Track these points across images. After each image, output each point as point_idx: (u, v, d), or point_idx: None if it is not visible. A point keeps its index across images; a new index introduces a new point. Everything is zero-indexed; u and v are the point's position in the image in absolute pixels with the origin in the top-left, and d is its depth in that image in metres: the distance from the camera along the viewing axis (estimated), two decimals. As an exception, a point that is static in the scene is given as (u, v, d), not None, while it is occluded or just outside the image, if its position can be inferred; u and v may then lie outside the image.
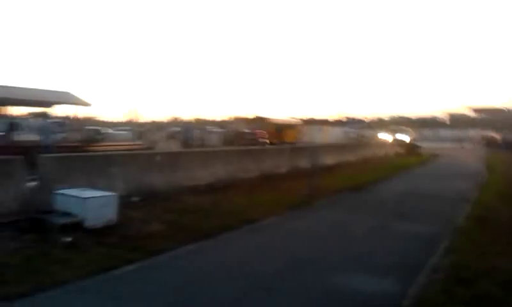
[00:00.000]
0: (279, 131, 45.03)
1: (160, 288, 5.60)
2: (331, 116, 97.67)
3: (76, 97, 33.39)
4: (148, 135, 42.29)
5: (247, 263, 6.76)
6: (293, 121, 59.60)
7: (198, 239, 7.78)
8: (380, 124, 78.58)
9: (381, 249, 7.73)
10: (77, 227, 7.73)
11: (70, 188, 8.65)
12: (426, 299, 5.14)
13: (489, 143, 53.62)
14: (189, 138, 37.97)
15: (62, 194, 8.39)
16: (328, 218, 10.42)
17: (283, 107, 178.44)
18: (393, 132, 47.66)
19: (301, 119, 64.63)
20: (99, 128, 43.10)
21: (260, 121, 47.83)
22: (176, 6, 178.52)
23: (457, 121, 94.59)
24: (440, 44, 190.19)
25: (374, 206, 12.08)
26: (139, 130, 45.93)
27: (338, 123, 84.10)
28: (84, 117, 39.27)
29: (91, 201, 8.13)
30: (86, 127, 37.35)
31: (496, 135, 58.98)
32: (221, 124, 69.27)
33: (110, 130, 46.35)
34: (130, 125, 40.88)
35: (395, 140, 41.63)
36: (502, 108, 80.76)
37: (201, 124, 71.10)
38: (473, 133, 68.27)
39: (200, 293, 5.44)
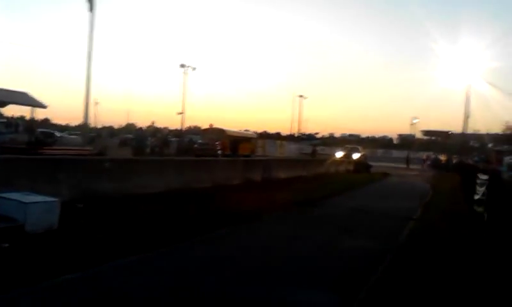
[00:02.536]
0: (234, 143, 45.06)
1: (100, 298, 5.44)
2: (285, 130, 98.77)
3: (33, 98, 32.20)
4: (100, 141, 41.39)
5: (190, 274, 6.66)
6: (248, 134, 59.86)
7: (145, 250, 7.61)
8: (332, 141, 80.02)
9: (328, 265, 7.82)
10: (16, 232, 7.44)
11: (11, 192, 8.33)
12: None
13: (436, 165, 55.62)
14: (142, 146, 37.42)
15: (2, 197, 8.06)
16: (276, 232, 10.45)
17: (239, 119, 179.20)
18: (346, 150, 48.61)
19: (256, 133, 64.94)
20: (52, 131, 41.86)
21: (215, 132, 47.77)
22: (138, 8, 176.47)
23: (407, 141, 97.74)
24: (395, 67, 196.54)
25: (322, 222, 12.23)
26: (91, 135, 44.87)
27: (291, 137, 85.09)
28: (40, 119, 38.06)
29: (32, 206, 7.85)
30: (39, 130, 36.18)
31: (443, 158, 61.24)
32: (177, 133, 68.69)
33: (63, 134, 45.13)
34: (83, 130, 39.77)
35: (347, 157, 42.45)
36: (447, 131, 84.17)
37: (156, 132, 70.21)
38: (421, 154, 70.60)
39: (140, 304, 5.32)
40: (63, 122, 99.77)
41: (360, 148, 52.86)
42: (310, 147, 68.09)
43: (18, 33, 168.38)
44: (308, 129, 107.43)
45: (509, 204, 6.46)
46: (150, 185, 13.21)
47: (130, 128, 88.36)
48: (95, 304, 5.23)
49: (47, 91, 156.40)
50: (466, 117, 59.82)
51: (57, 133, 43.36)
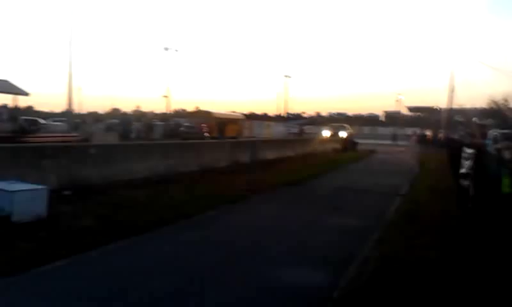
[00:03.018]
0: (220, 125, 44.94)
1: (88, 284, 5.43)
2: (272, 111, 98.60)
3: (14, 86, 31.76)
4: (85, 127, 40.98)
5: (182, 257, 6.68)
6: (235, 115, 59.66)
7: (132, 234, 7.61)
8: (319, 120, 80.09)
9: (316, 243, 7.87)
10: (3, 222, 7.37)
11: (-4, 181, 8.22)
12: (355, 289, 5.28)
13: (422, 141, 56.04)
14: (127, 131, 37.13)
15: (-13, 187, 7.94)
16: (265, 212, 10.49)
17: (225, 100, 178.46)
18: (333, 128, 48.71)
19: (243, 114, 64.74)
20: (36, 118, 41.31)
21: (201, 115, 47.56)
22: None
23: (393, 118, 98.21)
24: (380, 45, 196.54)
25: (310, 201, 12.30)
26: (75, 121, 44.36)
27: (278, 118, 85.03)
28: (23, 107, 37.55)
29: (18, 195, 7.76)
30: (22, 117, 35.70)
31: (429, 133, 61.67)
32: (162, 117, 68.19)
33: (48, 121, 44.54)
34: (67, 116, 39.29)
35: (334, 136, 42.57)
36: (434, 107, 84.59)
37: (141, 117, 69.62)
38: (407, 131, 71.08)
39: (131, 288, 5.31)
40: (46, 109, 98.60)
41: (346, 126, 52.98)
42: (297, 127, 68.18)
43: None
44: (295, 109, 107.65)
45: (494, 177, 6.54)
46: (136, 170, 13.15)
47: (115, 113, 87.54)
48: (81, 288, 5.21)
49: (29, 79, 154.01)
50: (451, 92, 60.14)
51: (42, 121, 42.78)
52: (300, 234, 8.56)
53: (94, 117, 70.18)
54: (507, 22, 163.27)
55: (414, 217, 9.65)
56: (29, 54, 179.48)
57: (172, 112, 69.11)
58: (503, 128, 34.83)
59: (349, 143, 39.70)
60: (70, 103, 37.28)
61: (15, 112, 33.99)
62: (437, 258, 6.54)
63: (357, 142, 40.85)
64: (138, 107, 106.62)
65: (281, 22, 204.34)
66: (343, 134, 44.57)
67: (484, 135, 31.76)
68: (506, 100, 63.99)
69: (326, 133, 45.18)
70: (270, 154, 23.29)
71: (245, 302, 5.09)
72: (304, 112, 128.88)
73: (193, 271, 6.05)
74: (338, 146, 37.41)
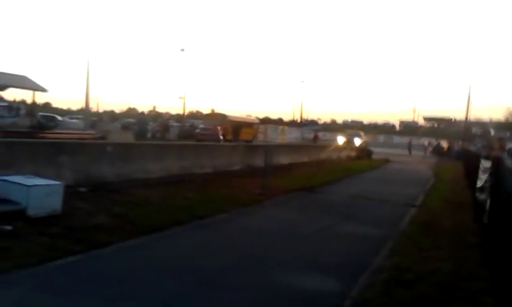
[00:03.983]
0: (235, 128, 44.98)
1: (101, 280, 5.46)
2: (287, 116, 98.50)
3: (33, 82, 32.22)
4: (102, 125, 41.35)
5: (193, 258, 6.69)
6: (250, 119, 59.71)
7: (146, 233, 7.65)
8: (334, 127, 79.78)
9: (327, 250, 7.84)
10: (19, 215, 7.45)
11: (14, 175, 8.32)
12: (367, 299, 5.24)
13: (438, 151, 55.48)
14: (143, 130, 37.38)
15: (4, 180, 8.04)
16: (278, 217, 10.47)
17: (241, 104, 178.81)
18: (348, 135, 48.48)
19: (258, 118, 64.78)
20: (54, 115, 41.79)
21: (216, 117, 47.67)
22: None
23: (409, 128, 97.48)
24: (395, 54, 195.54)
25: (324, 208, 12.25)
26: (92, 119, 44.81)
27: (293, 123, 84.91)
28: (41, 103, 38.07)
29: (35, 189, 7.83)
30: (40, 113, 36.17)
31: (444, 144, 61.06)
32: (178, 118, 68.50)
33: (64, 118, 45.01)
34: (84, 114, 39.72)
35: (349, 143, 42.35)
36: (450, 118, 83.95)
37: (157, 117, 70.00)
38: (422, 141, 70.42)
39: (142, 287, 5.34)
40: (63, 106, 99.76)
41: (361, 133, 52.72)
42: (312, 133, 67.98)
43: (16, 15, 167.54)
44: (310, 116, 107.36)
45: (511, 191, 6.44)
46: (151, 170, 13.21)
47: (131, 112, 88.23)
48: (94, 285, 5.25)
49: (47, 76, 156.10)
50: (468, 103, 59.55)
51: (59, 118, 43.28)
52: (312, 240, 8.53)
53: (110, 116, 70.80)
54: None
55: (428, 229, 9.55)
56: (49, 51, 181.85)
57: (188, 114, 69.44)
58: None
59: (363, 151, 39.48)
60: (87, 101, 37.70)
61: (33, 107, 34.45)
62: (450, 271, 6.45)
63: (372, 151, 40.61)
64: (154, 107, 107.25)
65: (298, 31, 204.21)
66: (358, 142, 44.33)
67: (502, 148, 31.33)
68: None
69: (341, 140, 44.96)
70: (284, 159, 23.23)
71: (254, 305, 5.07)
72: (319, 119, 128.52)
73: (204, 272, 6.06)
74: (352, 153, 37.22)
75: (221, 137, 38.98)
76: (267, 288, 5.62)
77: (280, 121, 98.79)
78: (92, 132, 30.94)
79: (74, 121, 44.63)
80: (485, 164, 10.79)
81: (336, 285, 5.98)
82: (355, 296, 5.44)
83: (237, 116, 53.28)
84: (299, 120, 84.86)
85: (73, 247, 6.45)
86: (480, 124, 76.86)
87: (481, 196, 9.96)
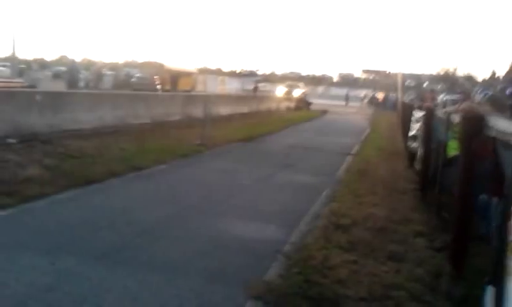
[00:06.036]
0: (174, 78, 43.94)
1: (35, 234, 5.24)
2: (226, 67, 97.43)
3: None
4: (31, 74, 39.09)
5: (131, 210, 6.54)
6: (188, 69, 58.44)
7: (79, 185, 7.38)
8: (273, 78, 79.87)
9: (266, 198, 7.93)
10: None
11: None
12: (306, 244, 5.36)
13: (373, 102, 57.19)
14: (76, 79, 35.68)
15: None
16: (218, 167, 10.44)
17: (178, 54, 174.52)
18: (287, 87, 48.71)
19: (196, 69, 63.53)
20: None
21: (153, 66, 46.30)
22: None
23: (346, 80, 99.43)
24: (336, 11, 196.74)
25: (263, 158, 12.34)
26: (20, 67, 42.16)
27: (232, 74, 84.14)
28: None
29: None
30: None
31: (380, 95, 62.84)
32: (112, 67, 65.95)
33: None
34: (11, 61, 37.21)
35: (288, 95, 42.63)
36: (386, 71, 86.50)
37: (90, 65, 67.01)
38: (360, 93, 72.09)
39: (78, 240, 5.17)
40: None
41: (301, 85, 53.11)
42: (253, 84, 67.75)
43: None
44: (250, 66, 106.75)
45: (441, 139, 6.74)
46: (84, 120, 12.69)
47: (62, 60, 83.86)
48: (27, 238, 5.03)
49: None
50: (403, 57, 61.29)
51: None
52: (251, 189, 8.60)
53: (40, 63, 67.05)
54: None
55: (364, 176, 9.88)
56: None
57: (123, 63, 66.98)
58: (452, 94, 36.06)
59: (302, 102, 39.96)
60: (13, 48, 35.33)
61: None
62: (384, 216, 6.71)
63: (310, 102, 41.18)
64: (89, 55, 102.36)
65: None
66: (297, 93, 44.71)
67: (433, 99, 32.77)
68: (456, 69, 66.44)
69: (281, 91, 45.17)
70: (224, 110, 23.05)
71: (195, 256, 5.05)
72: (258, 70, 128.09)
73: (143, 224, 5.95)
74: (292, 104, 37.57)
75: (159, 87, 38.02)
76: (207, 238, 5.60)
77: (219, 72, 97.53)
78: (20, 80, 29.14)
79: (0, 68, 41.85)
80: (417, 114, 11.22)
81: (276, 232, 6.07)
82: (294, 242, 5.54)
83: (175, 66, 51.96)
84: (238, 71, 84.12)
85: (3, 201, 6.12)
86: (414, 76, 79.56)
87: (413, 144, 10.39)
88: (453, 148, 5.92)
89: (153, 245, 5.22)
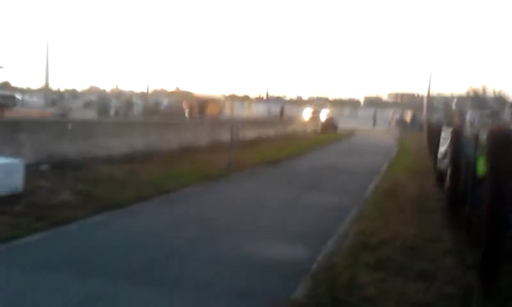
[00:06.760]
0: (201, 105, 44.52)
1: (68, 256, 5.37)
2: (253, 93, 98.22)
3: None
4: (63, 103, 40.29)
5: (160, 233, 6.64)
6: (215, 96, 59.15)
7: (109, 209, 7.53)
8: (300, 102, 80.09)
9: (294, 219, 7.92)
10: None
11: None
12: (333, 264, 5.33)
13: (401, 123, 56.44)
14: (106, 108, 36.52)
15: (-39, 159, 7.76)
16: (245, 190, 10.49)
17: (206, 82, 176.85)
18: (314, 110, 48.76)
19: (223, 96, 64.30)
20: (13, 93, 40.35)
21: (182, 95, 47.07)
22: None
23: (372, 103, 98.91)
24: (362, 33, 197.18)
25: (290, 179, 12.35)
26: (53, 98, 43.51)
27: (259, 100, 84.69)
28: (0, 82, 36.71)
29: (-7, 168, 7.58)
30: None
31: (408, 116, 62.08)
32: (141, 96, 67.27)
33: (24, 97, 43.58)
34: (44, 92, 38.46)
35: (315, 117, 42.64)
36: (413, 93, 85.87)
37: (119, 94, 68.49)
38: (387, 112, 71.37)
39: (109, 262, 5.27)
40: (23, 85, 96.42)
41: (327, 108, 53.10)
42: (278, 107, 67.96)
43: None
44: (277, 93, 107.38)
45: (469, 157, 6.66)
46: (114, 147, 12.97)
47: (93, 90, 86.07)
48: (60, 261, 5.15)
49: (5, 54, 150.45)
50: (430, 78, 60.80)
51: (18, 96, 41.84)
52: (278, 211, 8.60)
53: (72, 93, 69.04)
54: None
55: (392, 196, 9.78)
56: (7, 28, 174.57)
57: (151, 92, 68.30)
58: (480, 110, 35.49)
59: (329, 125, 39.86)
60: (47, 80, 36.56)
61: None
62: (413, 234, 6.61)
63: (337, 124, 41.04)
64: (117, 85, 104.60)
65: (264, 13, 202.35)
66: (323, 116, 44.67)
67: (461, 120, 32.32)
68: (484, 90, 65.57)
69: (307, 114, 45.22)
70: (251, 134, 23.20)
71: (223, 276, 5.09)
72: (284, 96, 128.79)
73: (172, 245, 6.03)
74: (318, 127, 37.53)
75: (187, 114, 38.56)
76: (237, 259, 5.64)
77: (246, 98, 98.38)
78: (52, 110, 30.05)
79: (34, 100, 43.27)
80: (446, 134, 11.10)
81: (304, 252, 6.06)
82: (322, 261, 5.52)
83: (202, 93, 52.66)
84: (265, 97, 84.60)
85: (37, 225, 6.30)
86: (442, 98, 78.80)
87: (442, 164, 10.26)
88: (483, 166, 5.85)
89: (182, 266, 5.28)
